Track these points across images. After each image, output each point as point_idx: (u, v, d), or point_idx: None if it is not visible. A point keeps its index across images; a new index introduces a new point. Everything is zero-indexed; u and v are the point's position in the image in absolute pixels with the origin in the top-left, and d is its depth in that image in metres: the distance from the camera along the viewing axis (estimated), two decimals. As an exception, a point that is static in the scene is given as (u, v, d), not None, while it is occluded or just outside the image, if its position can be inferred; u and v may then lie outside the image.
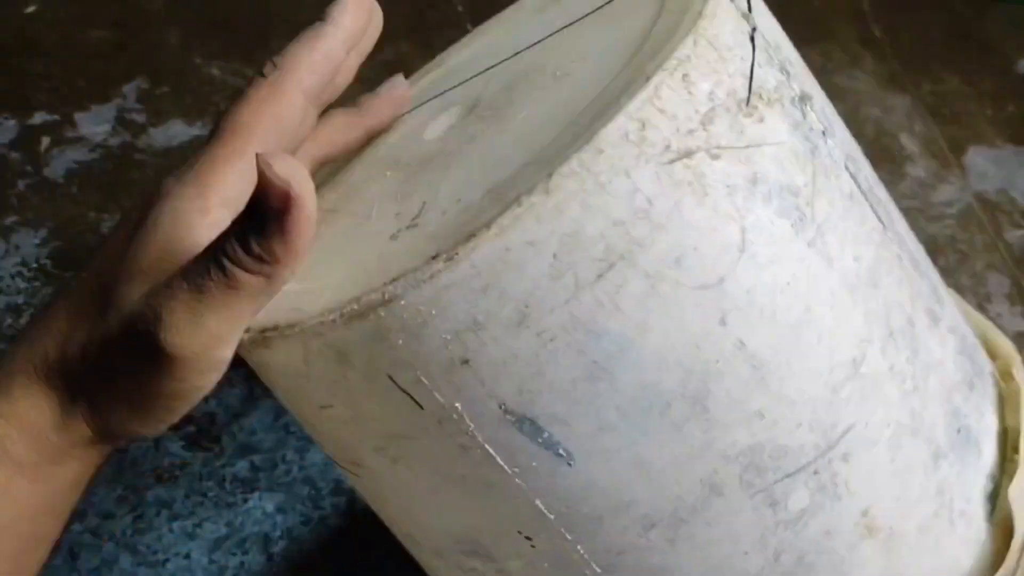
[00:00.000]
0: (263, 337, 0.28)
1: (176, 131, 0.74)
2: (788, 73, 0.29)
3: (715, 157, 0.25)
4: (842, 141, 0.31)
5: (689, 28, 0.26)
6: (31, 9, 0.84)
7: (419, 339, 0.25)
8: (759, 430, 0.28)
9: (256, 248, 0.25)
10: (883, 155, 0.77)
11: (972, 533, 0.33)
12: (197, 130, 0.74)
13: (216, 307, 0.26)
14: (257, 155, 0.24)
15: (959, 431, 0.33)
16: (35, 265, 0.64)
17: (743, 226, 0.26)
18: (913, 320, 0.31)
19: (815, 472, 0.29)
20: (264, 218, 0.25)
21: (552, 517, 0.28)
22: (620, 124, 0.24)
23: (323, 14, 0.31)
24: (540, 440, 0.27)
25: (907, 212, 0.76)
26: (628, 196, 0.24)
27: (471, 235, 0.24)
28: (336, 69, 0.31)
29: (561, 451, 0.27)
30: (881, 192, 0.34)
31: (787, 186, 0.27)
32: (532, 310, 0.25)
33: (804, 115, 0.28)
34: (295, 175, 0.24)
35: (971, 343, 0.36)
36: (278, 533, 0.52)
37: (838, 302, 0.28)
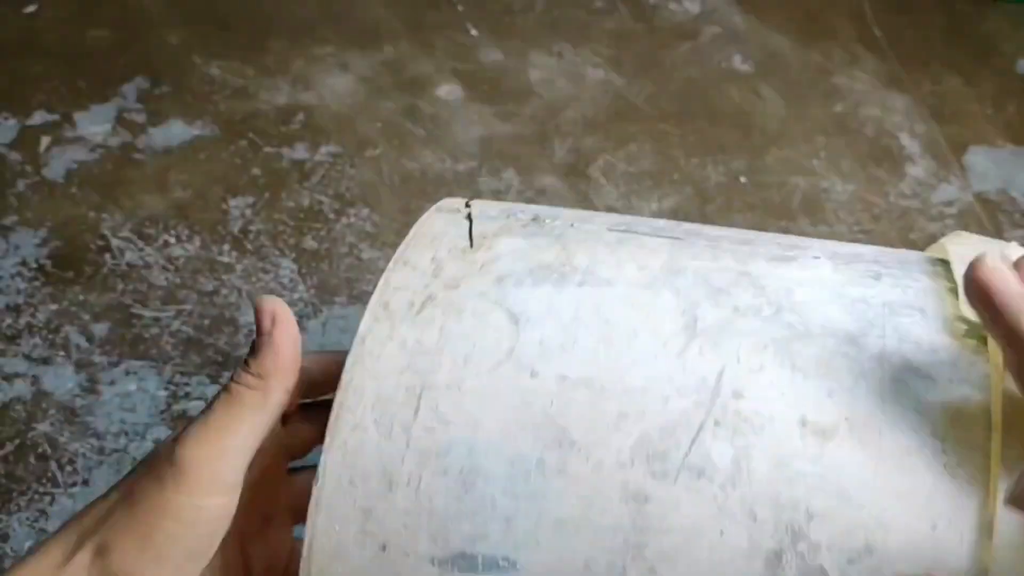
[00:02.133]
0: None
1: (176, 131, 0.74)
2: (511, 215, 0.36)
3: (454, 287, 0.32)
4: (603, 223, 0.37)
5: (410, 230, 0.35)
6: (31, 9, 0.84)
7: (344, 557, 0.30)
8: (632, 427, 0.29)
9: (252, 366, 0.31)
10: (883, 155, 0.77)
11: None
12: (197, 130, 0.74)
13: (221, 422, 0.31)
14: (255, 300, 0.32)
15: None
16: (35, 265, 0.64)
17: (507, 307, 0.31)
18: (749, 270, 0.33)
19: (716, 423, 0.29)
20: (258, 341, 0.32)
21: None
22: (369, 314, 0.32)
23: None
24: (480, 565, 0.29)
25: (907, 212, 0.77)
26: (401, 347, 0.31)
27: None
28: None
29: (501, 562, 0.29)
30: (678, 228, 0.37)
31: (535, 267, 0.33)
32: (390, 469, 0.29)
33: (542, 225, 0.35)
34: (279, 305, 0.32)
35: (871, 257, 0.36)
36: (278, 533, 0.52)
37: (636, 298, 0.32)
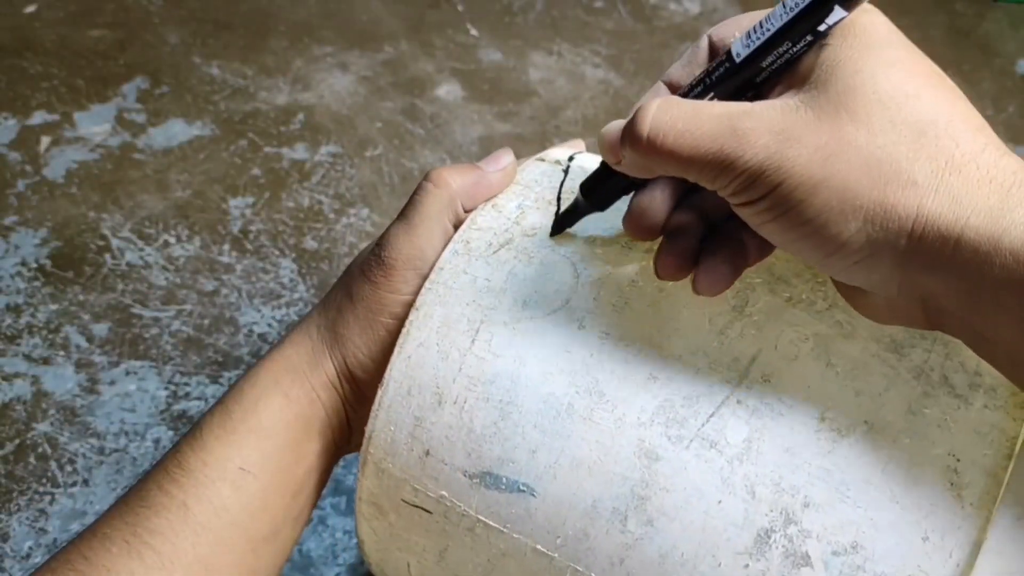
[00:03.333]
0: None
1: (176, 131, 0.74)
2: None
3: (530, 235, 0.35)
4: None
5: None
6: (31, 9, 0.84)
7: (395, 454, 0.34)
8: (660, 390, 0.31)
9: (436, 175, 0.37)
10: (883, 155, 0.77)
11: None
12: (197, 130, 0.74)
13: (417, 226, 0.36)
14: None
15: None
16: (35, 265, 0.64)
17: (574, 262, 0.34)
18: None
19: (738, 402, 0.31)
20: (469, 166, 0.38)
21: (556, 556, 0.32)
22: (451, 248, 0.35)
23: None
24: (503, 485, 0.32)
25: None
26: (471, 282, 0.34)
27: (387, 360, 0.34)
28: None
29: (522, 487, 0.32)
30: None
31: (608, 228, 0.35)
32: (442, 388, 0.33)
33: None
34: (506, 154, 0.38)
35: None
36: (278, 533, 0.52)
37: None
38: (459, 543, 0.34)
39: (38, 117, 0.74)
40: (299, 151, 0.73)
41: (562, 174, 0.38)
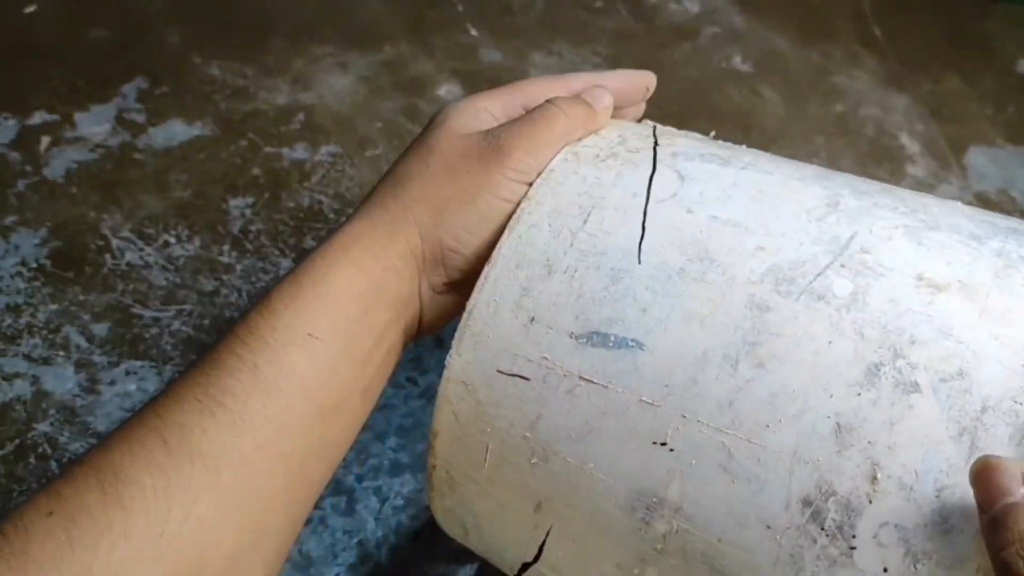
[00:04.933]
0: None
1: (176, 131, 0.74)
2: (689, 134, 0.43)
3: (635, 152, 0.38)
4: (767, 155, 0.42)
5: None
6: (31, 9, 0.84)
7: (498, 326, 0.35)
8: (767, 257, 0.34)
9: (580, 97, 0.40)
10: (883, 155, 0.77)
11: None
12: (197, 130, 0.74)
13: (540, 125, 0.38)
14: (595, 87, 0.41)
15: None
16: (35, 265, 0.64)
17: (677, 168, 0.37)
18: (891, 189, 0.38)
19: (842, 266, 0.33)
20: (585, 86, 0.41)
21: (661, 406, 0.33)
22: (560, 156, 0.38)
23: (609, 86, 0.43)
24: (611, 343, 0.33)
25: (907, 212, 0.77)
26: (582, 180, 0.37)
27: (489, 233, 0.37)
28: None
29: (630, 342, 0.33)
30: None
31: (707, 153, 0.39)
32: (552, 260, 0.35)
33: (716, 141, 0.41)
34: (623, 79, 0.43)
35: None
36: (278, 533, 0.52)
37: (789, 183, 0.37)
38: (555, 408, 0.34)
39: (38, 117, 0.74)
40: (299, 151, 0.73)
41: (651, 126, 0.41)
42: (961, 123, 0.80)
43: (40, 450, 0.54)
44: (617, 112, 0.43)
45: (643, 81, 0.44)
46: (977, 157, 0.78)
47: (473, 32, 0.86)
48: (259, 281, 0.64)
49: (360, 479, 0.54)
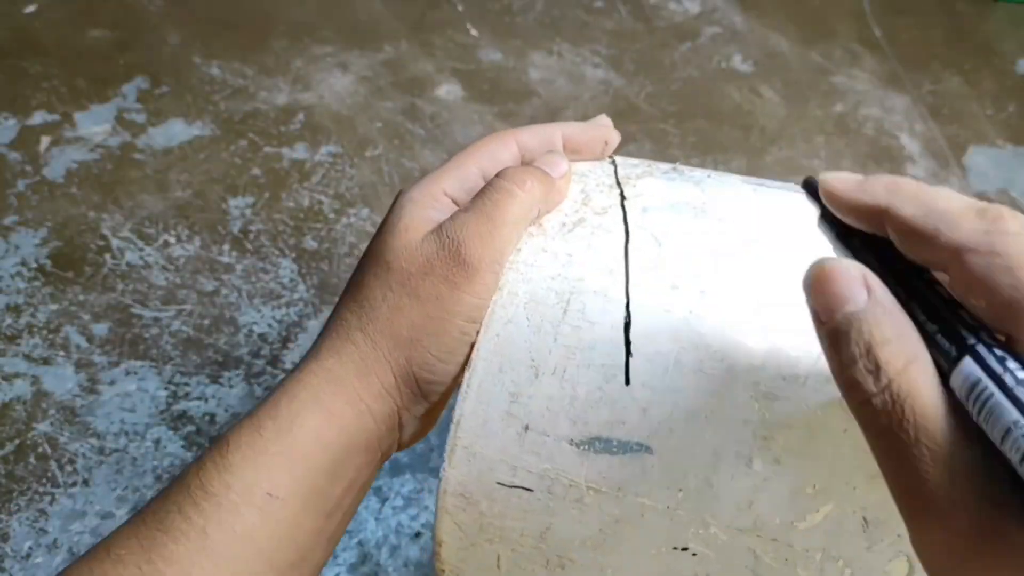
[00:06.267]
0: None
1: (176, 131, 0.74)
2: (652, 165, 0.40)
3: (602, 214, 0.35)
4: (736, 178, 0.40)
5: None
6: (31, 9, 0.84)
7: (489, 437, 0.32)
8: (767, 336, 0.32)
9: (534, 167, 0.35)
10: (883, 155, 0.77)
11: None
12: (197, 129, 0.74)
13: (499, 221, 0.34)
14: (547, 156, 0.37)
15: None
16: (35, 265, 0.64)
17: (652, 231, 0.34)
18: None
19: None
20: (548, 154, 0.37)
21: (678, 511, 0.31)
22: (525, 233, 0.35)
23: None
24: (615, 448, 0.31)
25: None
26: (553, 258, 0.34)
27: (464, 357, 0.34)
28: (550, 146, 0.40)
29: (635, 446, 0.31)
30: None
31: (677, 202, 0.36)
32: (537, 361, 0.32)
33: (680, 173, 0.38)
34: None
35: None
36: (278, 533, 0.52)
37: (776, 239, 0.35)
38: (565, 518, 0.32)
39: (38, 117, 0.74)
40: (299, 151, 0.73)
41: (611, 165, 0.39)
42: (961, 123, 0.80)
43: (40, 450, 0.54)
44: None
45: (601, 134, 0.41)
46: (977, 157, 0.78)
47: (473, 32, 0.86)
48: (259, 281, 0.64)
49: (360, 479, 0.54)
